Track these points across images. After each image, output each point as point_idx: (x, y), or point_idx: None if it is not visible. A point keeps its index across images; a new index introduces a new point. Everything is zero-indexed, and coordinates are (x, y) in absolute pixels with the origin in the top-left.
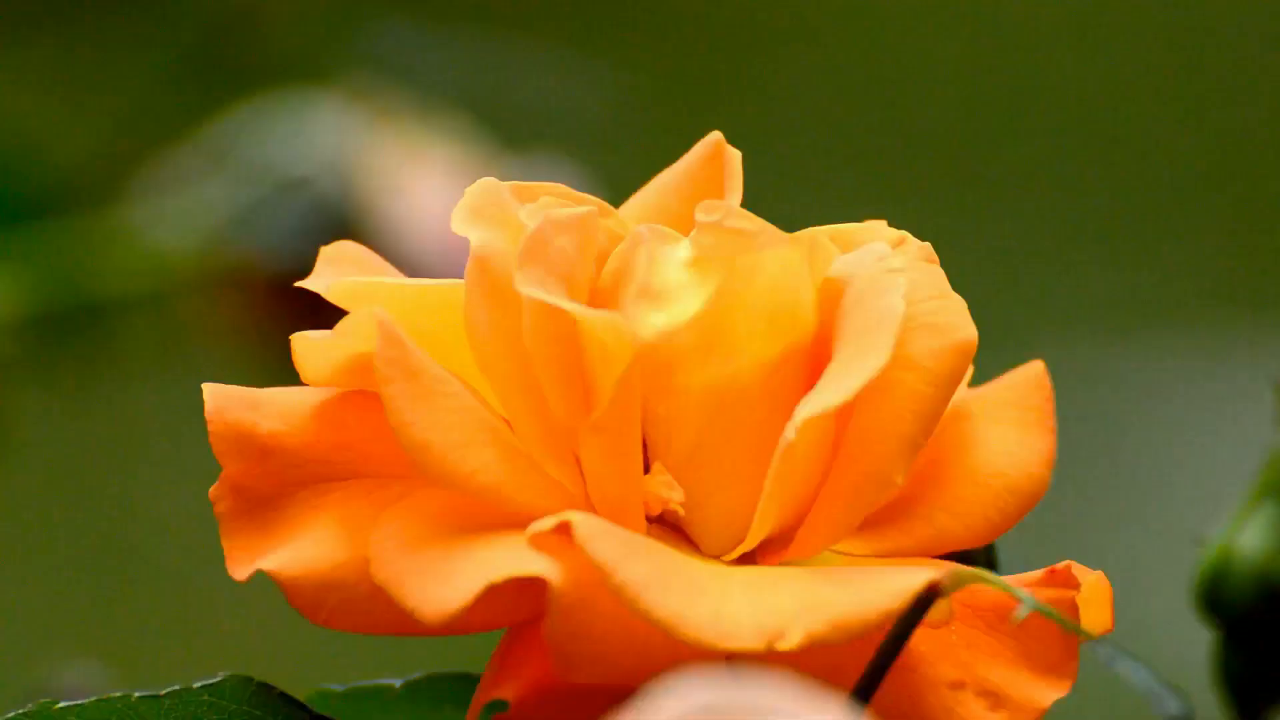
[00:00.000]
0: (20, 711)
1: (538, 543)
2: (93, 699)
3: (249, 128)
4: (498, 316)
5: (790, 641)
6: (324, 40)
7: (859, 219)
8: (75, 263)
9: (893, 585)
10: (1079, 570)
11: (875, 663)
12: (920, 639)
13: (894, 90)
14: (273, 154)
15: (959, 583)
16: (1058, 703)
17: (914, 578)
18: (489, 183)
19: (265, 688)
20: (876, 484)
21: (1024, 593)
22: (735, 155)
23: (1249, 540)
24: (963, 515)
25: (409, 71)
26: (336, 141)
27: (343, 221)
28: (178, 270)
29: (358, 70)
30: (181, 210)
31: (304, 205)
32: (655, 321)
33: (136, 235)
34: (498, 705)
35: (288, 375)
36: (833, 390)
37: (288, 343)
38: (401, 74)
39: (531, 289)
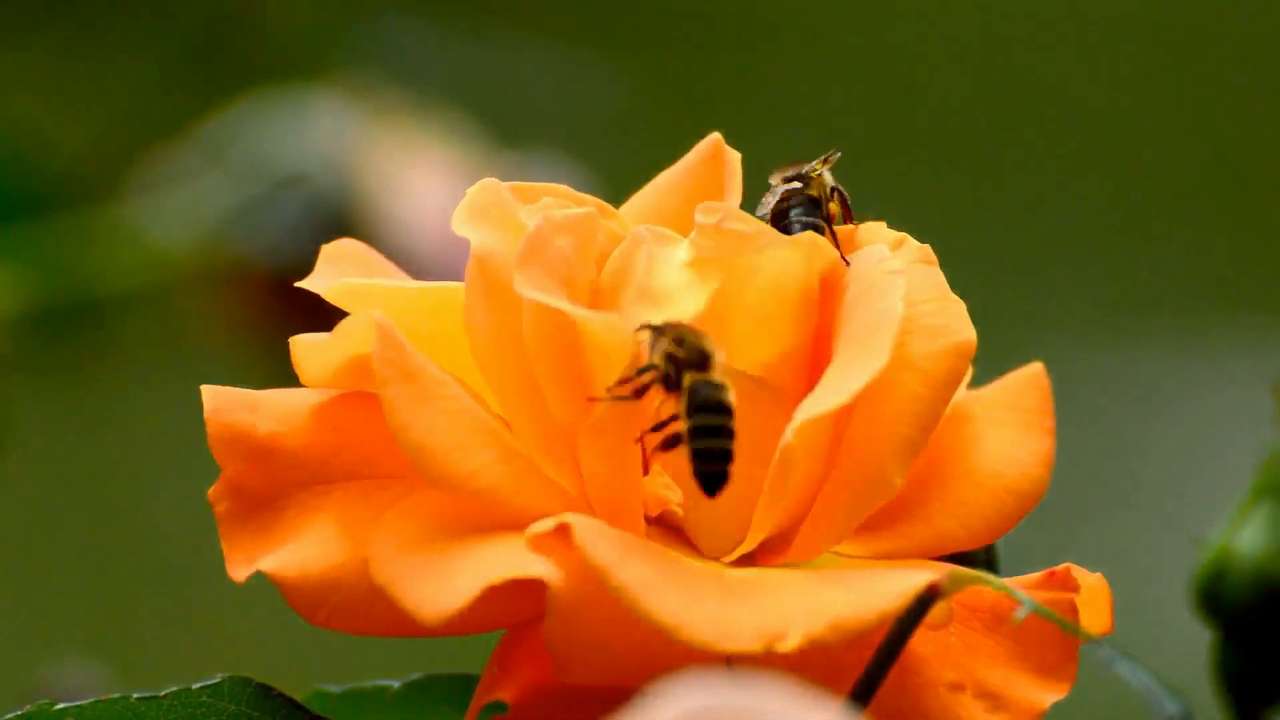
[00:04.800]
0: (19, 713)
1: (537, 544)
2: (91, 700)
3: (247, 124)
4: (497, 317)
5: (789, 643)
6: (323, 37)
7: (858, 221)
8: (74, 260)
9: (892, 587)
10: (1079, 572)
11: (874, 664)
12: (919, 641)
13: (893, 91)
14: (271, 151)
15: (958, 584)
16: (1057, 704)
17: (913, 579)
18: (490, 183)
19: (264, 688)
20: (875, 486)
21: (1023, 594)
22: (735, 156)
23: (1247, 540)
24: (962, 516)
25: (408, 68)
26: (335, 138)
27: (341, 218)
28: (176, 267)
29: (356, 67)
30: (180, 207)
31: (302, 202)
32: (654, 323)
33: (135, 232)
34: (497, 706)
35: (287, 371)
36: (832, 392)
37: (287, 339)
38: (400, 71)
39: (530, 290)
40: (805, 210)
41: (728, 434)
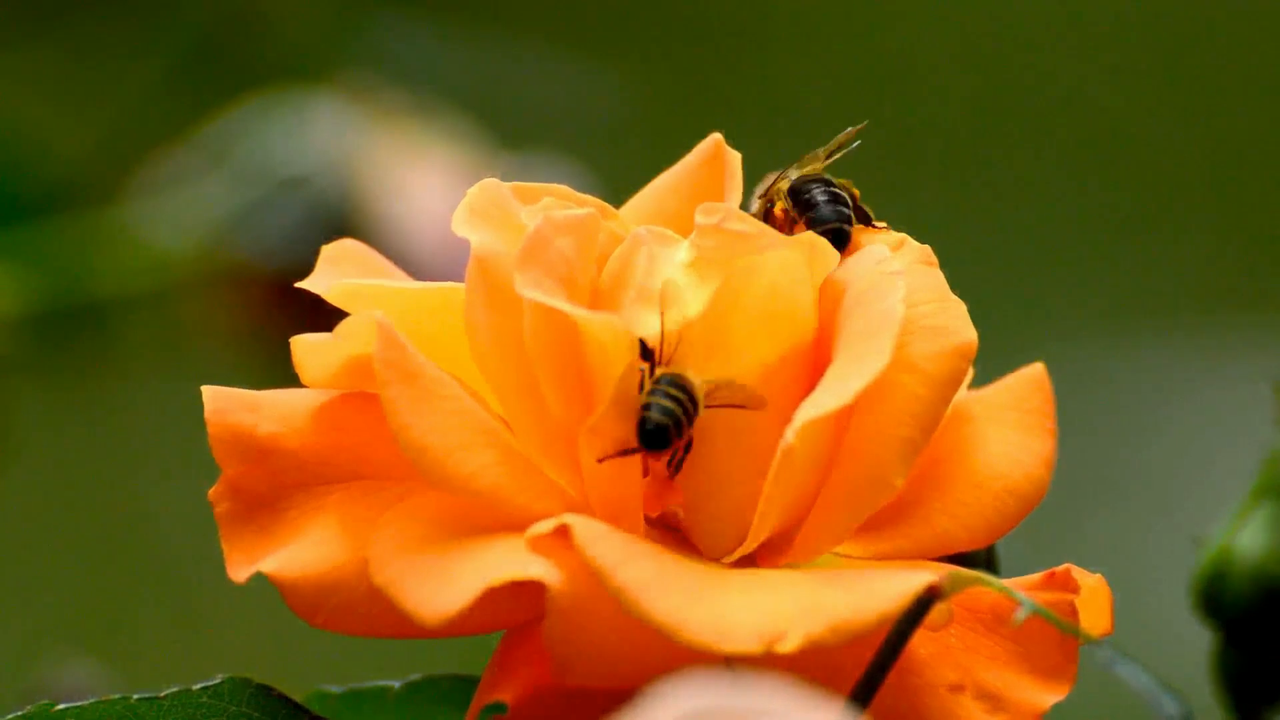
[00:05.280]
0: (19, 713)
1: (536, 546)
2: (91, 700)
3: (248, 127)
4: (498, 318)
5: (789, 644)
6: (323, 39)
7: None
8: (75, 262)
9: (892, 588)
10: (1079, 573)
11: (874, 665)
12: (919, 642)
13: (893, 92)
14: (272, 153)
15: (958, 585)
16: (1057, 705)
17: (913, 580)
18: (490, 184)
19: (264, 689)
20: (876, 487)
21: (1023, 595)
22: (735, 157)
23: (1248, 540)
24: (962, 517)
25: (408, 71)
26: (336, 141)
27: (342, 221)
28: (177, 269)
29: (357, 69)
30: (181, 209)
31: (303, 205)
32: (654, 323)
33: (136, 234)
34: (497, 707)
35: (288, 374)
36: (832, 393)
37: (287, 342)
38: (401, 73)
39: (530, 291)
40: (828, 193)
41: (686, 412)
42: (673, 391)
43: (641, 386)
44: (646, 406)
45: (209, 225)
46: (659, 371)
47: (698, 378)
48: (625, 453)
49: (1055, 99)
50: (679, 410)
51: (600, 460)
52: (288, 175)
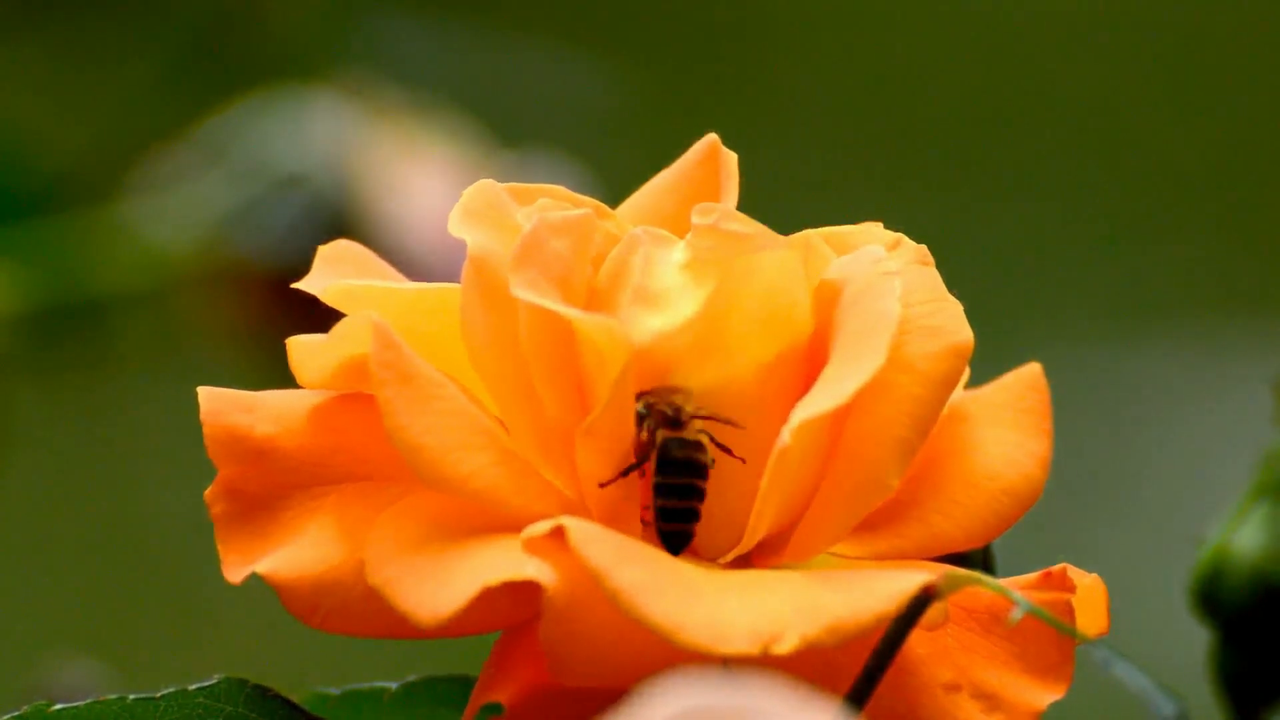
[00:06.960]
0: (15, 714)
1: (532, 547)
2: (88, 701)
3: (246, 124)
4: (494, 319)
5: (785, 645)
6: (321, 36)
7: (855, 221)
8: (72, 260)
9: (888, 588)
10: (1075, 573)
11: (870, 666)
12: (916, 641)
13: (892, 91)
14: (269, 151)
15: (954, 585)
16: (1054, 704)
17: (909, 580)
18: (486, 184)
19: (261, 690)
20: (872, 487)
21: (1019, 595)
22: (731, 157)
23: (1245, 540)
24: (958, 517)
25: (407, 68)
26: (333, 138)
27: (339, 218)
28: (175, 267)
29: (355, 66)
30: (178, 207)
31: (301, 202)
32: (650, 324)
33: (133, 232)
34: (493, 708)
35: (285, 371)
36: (828, 394)
37: (285, 340)
38: (399, 70)
39: (526, 292)
40: None
41: (696, 494)
42: (694, 484)
43: (640, 422)
44: (662, 506)
45: (206, 223)
46: (669, 445)
47: (690, 405)
48: (626, 471)
49: (1055, 99)
50: (697, 503)
51: (603, 485)
52: (285, 173)
